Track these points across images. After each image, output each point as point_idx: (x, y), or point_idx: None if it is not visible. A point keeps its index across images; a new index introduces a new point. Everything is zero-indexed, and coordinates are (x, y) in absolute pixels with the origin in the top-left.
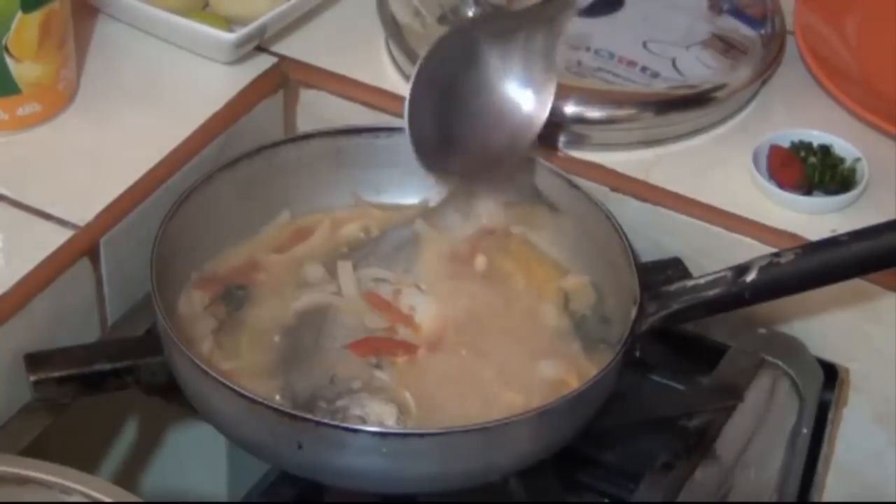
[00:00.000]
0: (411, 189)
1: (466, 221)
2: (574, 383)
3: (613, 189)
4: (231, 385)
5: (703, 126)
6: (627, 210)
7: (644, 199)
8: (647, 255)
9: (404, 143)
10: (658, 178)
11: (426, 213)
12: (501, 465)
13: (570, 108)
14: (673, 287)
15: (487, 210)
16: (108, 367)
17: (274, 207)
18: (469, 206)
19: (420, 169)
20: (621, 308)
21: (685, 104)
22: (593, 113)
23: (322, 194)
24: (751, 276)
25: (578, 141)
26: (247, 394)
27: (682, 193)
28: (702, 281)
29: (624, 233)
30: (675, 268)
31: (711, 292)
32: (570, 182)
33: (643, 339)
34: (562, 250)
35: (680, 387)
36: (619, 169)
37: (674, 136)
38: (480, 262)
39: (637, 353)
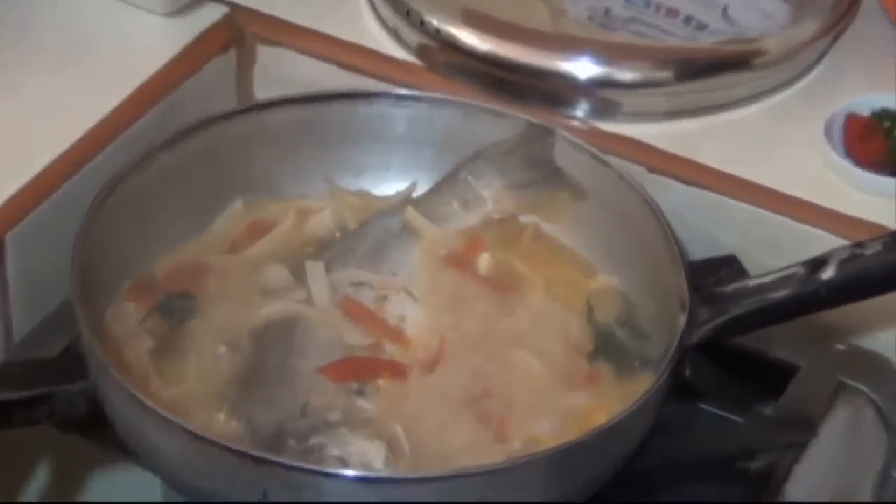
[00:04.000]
0: (398, 170)
1: (467, 210)
2: (603, 414)
3: (652, 170)
4: (175, 419)
5: (762, 91)
6: (670, 195)
7: (690, 182)
8: (694, 251)
9: (390, 112)
10: (708, 156)
11: (417, 200)
12: None
13: (595, 69)
14: (730, 288)
15: (493, 194)
16: (13, 396)
17: (226, 195)
18: (471, 189)
19: (410, 143)
20: (663, 317)
21: (740, 63)
22: (625, 75)
23: (286, 178)
24: (828, 273)
25: (607, 110)
26: (195, 430)
27: (737, 175)
28: (767, 280)
29: (667, 221)
30: (729, 267)
31: (779, 294)
32: (597, 158)
33: (693, 355)
34: (587, 245)
35: (738, 419)
36: (659, 145)
37: (727, 104)
38: (485, 261)
39: (686, 373)
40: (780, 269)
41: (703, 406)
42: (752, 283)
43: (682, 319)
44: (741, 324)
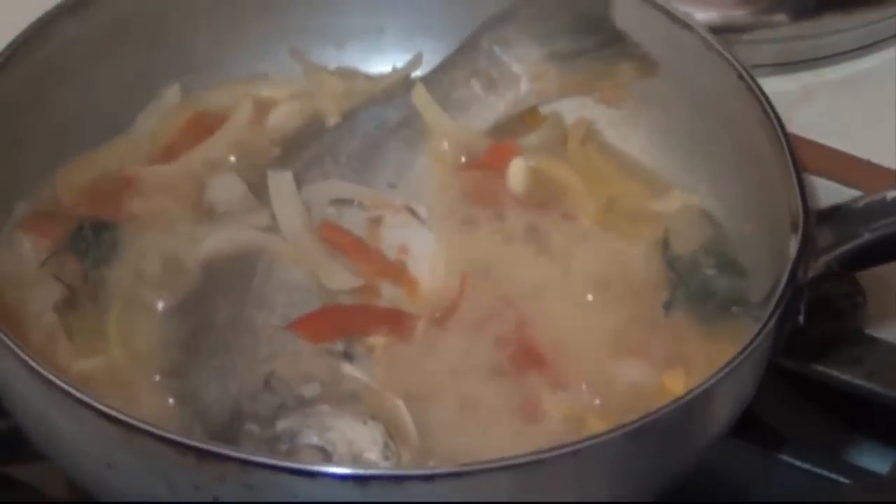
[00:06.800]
0: (396, 37)
1: (493, 93)
2: (680, 384)
3: None
4: (89, 399)
5: (881, 38)
6: None
7: None
8: None
9: None
10: (804, 123)
11: (422, 80)
12: None
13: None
14: (861, 203)
15: (529, 69)
16: None
17: (154, 79)
18: (497, 63)
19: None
20: (766, 244)
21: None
22: (700, 14)
23: (237, 52)
24: None
25: None
26: (117, 414)
27: (843, 150)
28: None
29: (772, 107)
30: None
31: None
32: (674, 17)
33: (810, 299)
34: (658, 147)
35: (835, 477)
36: None
37: (832, 55)
38: (518, 170)
39: (801, 320)
40: None
41: (784, 457)
42: (890, 195)
43: (795, 245)
44: (876, 252)
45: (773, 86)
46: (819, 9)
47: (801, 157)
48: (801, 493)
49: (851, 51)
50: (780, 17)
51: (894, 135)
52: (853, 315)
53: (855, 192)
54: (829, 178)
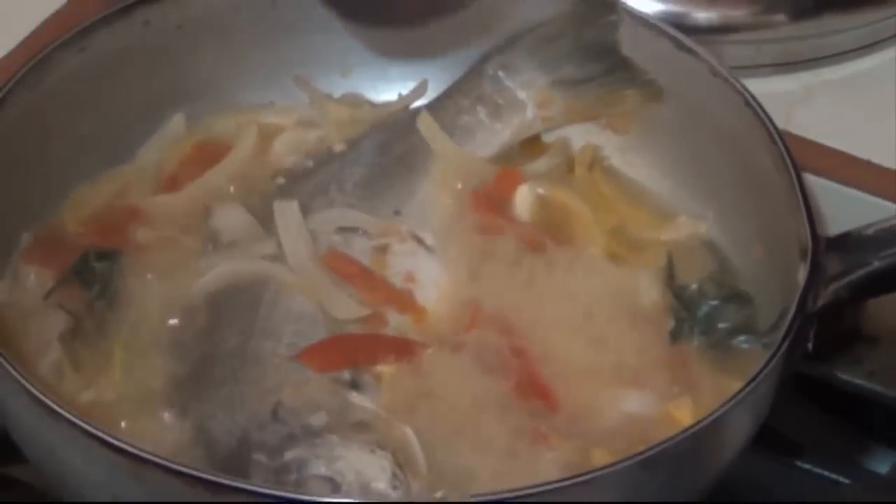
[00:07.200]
0: (402, 64)
1: (498, 119)
2: (686, 414)
3: None
4: (95, 430)
5: (881, 38)
6: None
7: None
8: None
9: None
10: (804, 123)
11: (428, 107)
12: None
13: (662, 6)
14: (871, 230)
15: (535, 96)
16: None
17: (158, 109)
18: (503, 89)
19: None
20: (774, 272)
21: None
22: (699, 14)
23: (242, 81)
24: None
25: None
26: (124, 445)
27: (843, 150)
28: None
29: (779, 133)
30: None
31: None
32: (681, 44)
33: (819, 325)
34: (664, 174)
35: (843, 479)
36: None
37: (832, 55)
38: (524, 196)
39: (809, 347)
40: None
41: (801, 464)
42: None
43: (804, 273)
44: (886, 280)
45: (773, 86)
46: (819, 9)
47: (800, 158)
48: (800, 494)
49: (851, 51)
50: (780, 17)
51: (894, 135)
52: (853, 315)
53: (855, 192)
54: (829, 178)
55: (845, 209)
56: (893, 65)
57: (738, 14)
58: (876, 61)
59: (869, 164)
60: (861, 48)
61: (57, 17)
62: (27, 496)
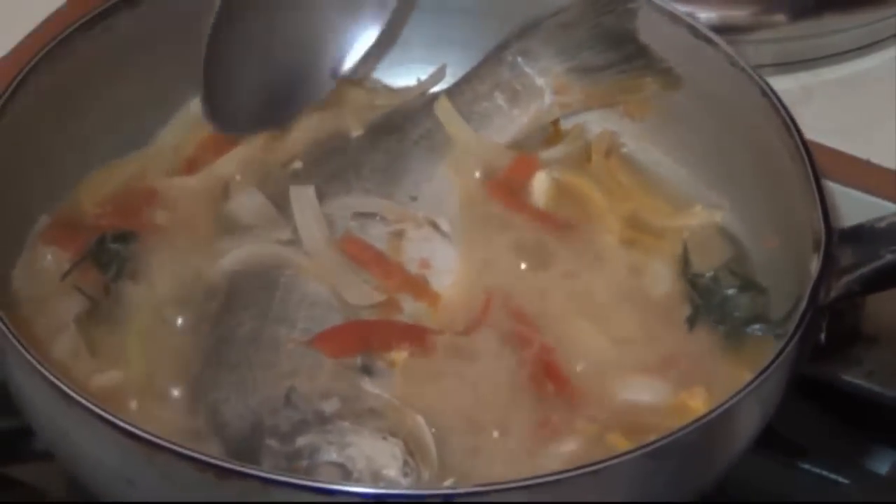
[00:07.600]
0: (420, 49)
1: (516, 105)
2: (701, 403)
3: None
4: (109, 415)
5: (880, 38)
6: None
7: None
8: None
9: None
10: (804, 123)
11: (446, 93)
12: None
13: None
14: (884, 223)
15: (553, 83)
16: None
17: (176, 93)
18: (521, 76)
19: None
20: (788, 262)
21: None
22: (700, 14)
23: None
24: None
25: None
26: (138, 430)
27: (842, 150)
28: None
29: (796, 125)
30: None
31: None
32: (699, 33)
33: (831, 316)
34: (680, 162)
35: (843, 480)
36: None
37: (832, 55)
38: (541, 183)
39: (822, 338)
40: None
41: (804, 465)
42: None
43: (817, 264)
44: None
45: (772, 86)
46: (819, 9)
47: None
48: (800, 494)
49: (851, 51)
50: (780, 17)
51: (894, 135)
52: (853, 315)
53: (854, 192)
54: (829, 178)
55: (845, 209)
56: (893, 65)
57: (737, 14)
58: (875, 61)
59: (868, 163)
60: (860, 48)
61: (57, 16)
62: (27, 496)
